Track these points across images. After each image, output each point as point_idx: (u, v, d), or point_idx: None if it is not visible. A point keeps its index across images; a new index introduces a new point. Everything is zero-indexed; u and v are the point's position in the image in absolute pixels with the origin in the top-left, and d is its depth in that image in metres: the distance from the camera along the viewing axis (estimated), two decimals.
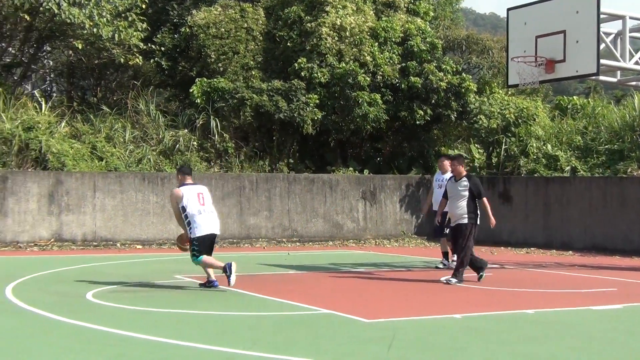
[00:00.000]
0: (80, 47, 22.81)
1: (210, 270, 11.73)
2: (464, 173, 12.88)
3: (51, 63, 27.70)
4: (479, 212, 12.80)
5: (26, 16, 21.78)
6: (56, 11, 20.39)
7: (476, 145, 25.48)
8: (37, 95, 24.89)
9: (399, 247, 21.51)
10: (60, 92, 28.01)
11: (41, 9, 21.32)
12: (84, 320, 8.51)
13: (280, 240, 21.66)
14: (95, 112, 22.90)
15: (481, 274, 12.79)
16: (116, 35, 22.04)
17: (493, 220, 12.97)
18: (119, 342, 7.52)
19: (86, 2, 20.93)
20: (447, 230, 13.39)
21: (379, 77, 24.60)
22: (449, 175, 14.04)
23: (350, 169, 24.50)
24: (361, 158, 26.07)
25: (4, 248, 18.30)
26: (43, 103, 22.35)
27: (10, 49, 25.48)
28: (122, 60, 23.29)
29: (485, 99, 25.15)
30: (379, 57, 24.69)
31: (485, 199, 12.89)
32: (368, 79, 24.03)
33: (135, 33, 22.65)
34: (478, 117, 24.34)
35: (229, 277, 11.24)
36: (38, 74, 27.94)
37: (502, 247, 20.85)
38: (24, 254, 17.31)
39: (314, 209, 22.37)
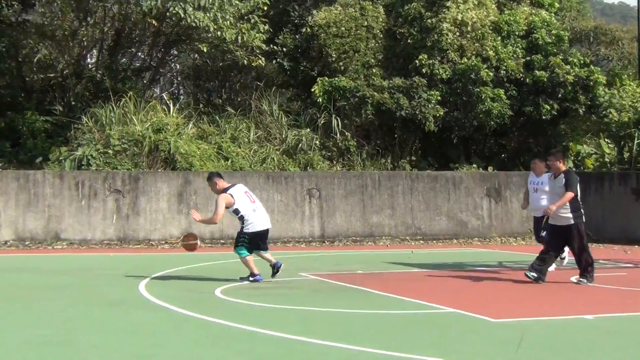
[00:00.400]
0: (205, 50, 23.41)
1: (252, 265, 12.06)
2: (563, 169, 12.09)
3: (178, 66, 28.58)
4: (582, 210, 11.99)
5: (154, 22, 22.53)
6: (182, 16, 20.97)
7: (606, 140, 24.57)
8: (165, 98, 25.72)
9: (526, 245, 20.97)
10: (187, 94, 28.82)
11: (168, 14, 22.00)
12: (213, 316, 8.70)
13: (404, 239, 21.53)
14: (220, 114, 23.44)
15: (539, 276, 12.09)
16: (239, 38, 22.47)
17: (552, 208, 11.76)
18: (246, 337, 7.64)
19: (210, 6, 21.41)
20: (544, 233, 12.59)
21: (502, 71, 24.09)
22: (545, 177, 13.28)
23: (474, 165, 24.10)
24: (485, 154, 25.60)
25: (137, 245, 19.01)
26: (171, 105, 23.06)
27: (139, 53, 26.48)
28: (245, 62, 23.75)
29: (616, 92, 24.22)
30: (502, 52, 24.18)
31: (570, 193, 11.70)
32: (491, 74, 23.57)
33: (257, 35, 23.03)
34: (608, 110, 23.46)
35: (275, 272, 12.07)
36: (166, 78, 28.88)
37: (636, 246, 20.00)
38: (156, 252, 17.91)
39: (437, 206, 22.12)
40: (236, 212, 11.94)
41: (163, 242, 19.45)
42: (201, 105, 25.13)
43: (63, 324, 8.38)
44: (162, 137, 20.86)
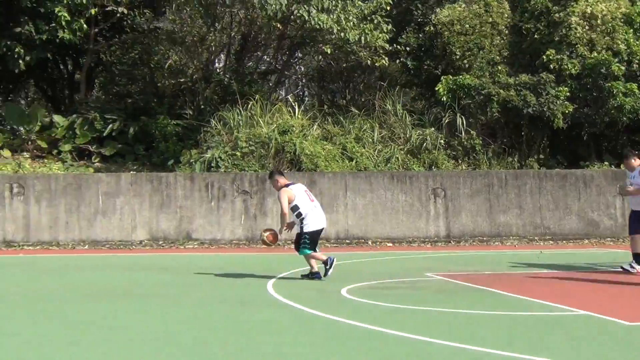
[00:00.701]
0: (329, 51, 23.65)
1: (314, 262, 12.34)
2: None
3: (302, 69, 28.98)
4: None
5: (279, 25, 22.95)
6: (306, 18, 21.25)
7: None
8: (290, 100, 26.13)
9: None
10: (312, 96, 29.19)
11: (292, 17, 22.36)
12: (340, 315, 8.78)
13: (532, 239, 21.06)
14: (344, 114, 23.61)
15: None
16: (362, 38, 22.57)
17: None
18: (373, 337, 7.68)
19: (334, 8, 21.61)
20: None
21: (634, 65, 23.19)
22: (635, 172, 13.44)
23: (606, 163, 23.29)
24: (617, 152, 24.67)
25: (264, 245, 19.35)
26: (296, 107, 23.42)
27: (265, 57, 27.03)
28: (368, 62, 23.84)
29: None
30: (634, 45, 23.27)
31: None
32: (623, 68, 22.74)
33: (380, 35, 23.06)
34: None
35: (327, 269, 12.12)
36: (291, 80, 29.35)
37: None
38: (283, 251, 18.22)
39: (567, 205, 21.51)
40: (294, 208, 12.20)
41: (289, 242, 19.75)
42: (325, 107, 25.39)
43: (195, 321, 8.66)
44: (288, 139, 21.20)
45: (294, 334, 7.90)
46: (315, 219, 12.29)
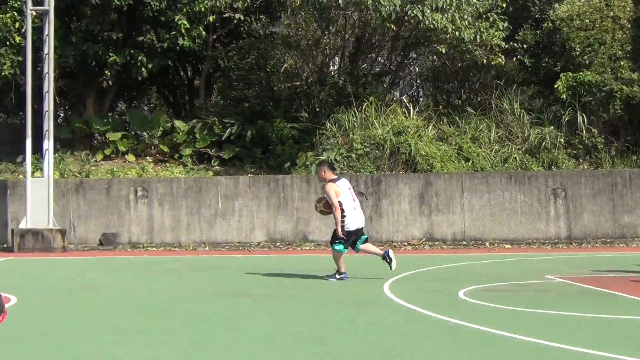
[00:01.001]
0: (443, 51, 23.44)
1: (342, 263, 12.42)
2: None
3: (417, 69, 28.82)
4: None
5: (392, 26, 22.91)
6: (420, 18, 21.12)
7: None
8: (405, 100, 26.04)
9: None
10: (427, 96, 28.99)
11: (406, 17, 22.28)
12: (456, 318, 8.70)
13: None
14: (460, 114, 23.34)
15: None
16: (478, 37, 22.24)
17: None
18: (488, 340, 7.57)
19: (448, 7, 21.40)
20: None
21: None
22: None
23: None
24: None
25: (380, 247, 19.35)
26: (411, 108, 23.31)
27: (379, 58, 27.02)
28: (484, 61, 23.48)
29: None
30: None
31: None
32: None
33: (496, 33, 22.66)
34: None
35: (390, 263, 12.24)
36: (405, 81, 29.24)
37: None
38: (398, 253, 18.13)
39: None
40: (339, 204, 12.22)
41: (405, 243, 19.70)
42: (441, 107, 25.15)
43: (314, 322, 8.76)
44: (403, 140, 21.14)
45: (412, 336, 7.88)
46: (355, 218, 12.36)
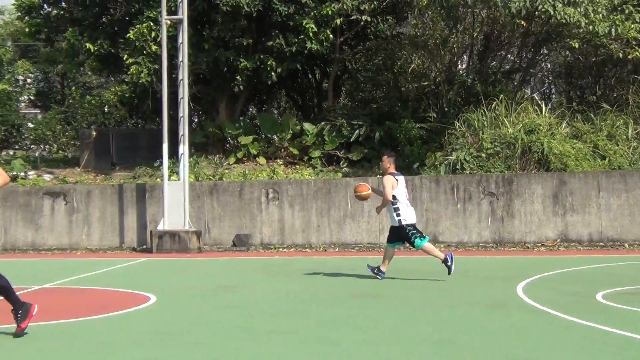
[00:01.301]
0: (576, 46, 22.72)
1: (438, 252, 12.51)
2: None
3: (549, 65, 28.09)
4: None
5: (522, 22, 22.41)
6: (551, 13, 20.58)
7: None
8: (536, 98, 25.41)
9: None
10: (559, 93, 28.22)
11: (537, 13, 21.75)
12: (595, 322, 8.43)
13: None
14: (595, 111, 22.57)
15: None
16: (612, 30, 21.44)
17: None
18: (630, 346, 7.29)
19: (581, 1, 20.75)
20: None
21: None
22: None
23: None
24: None
25: (512, 248, 19.01)
26: (543, 105, 22.72)
27: (509, 55, 26.51)
28: (620, 55, 22.60)
29: None
30: None
31: None
32: None
33: (633, 25, 21.79)
34: None
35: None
36: (536, 78, 28.55)
37: None
38: (531, 254, 17.76)
39: None
40: (393, 198, 12.32)
41: (539, 244, 19.22)
42: (574, 104, 24.41)
43: (444, 323, 8.69)
44: (535, 138, 20.64)
45: (547, 339, 7.68)
46: (409, 213, 12.49)
